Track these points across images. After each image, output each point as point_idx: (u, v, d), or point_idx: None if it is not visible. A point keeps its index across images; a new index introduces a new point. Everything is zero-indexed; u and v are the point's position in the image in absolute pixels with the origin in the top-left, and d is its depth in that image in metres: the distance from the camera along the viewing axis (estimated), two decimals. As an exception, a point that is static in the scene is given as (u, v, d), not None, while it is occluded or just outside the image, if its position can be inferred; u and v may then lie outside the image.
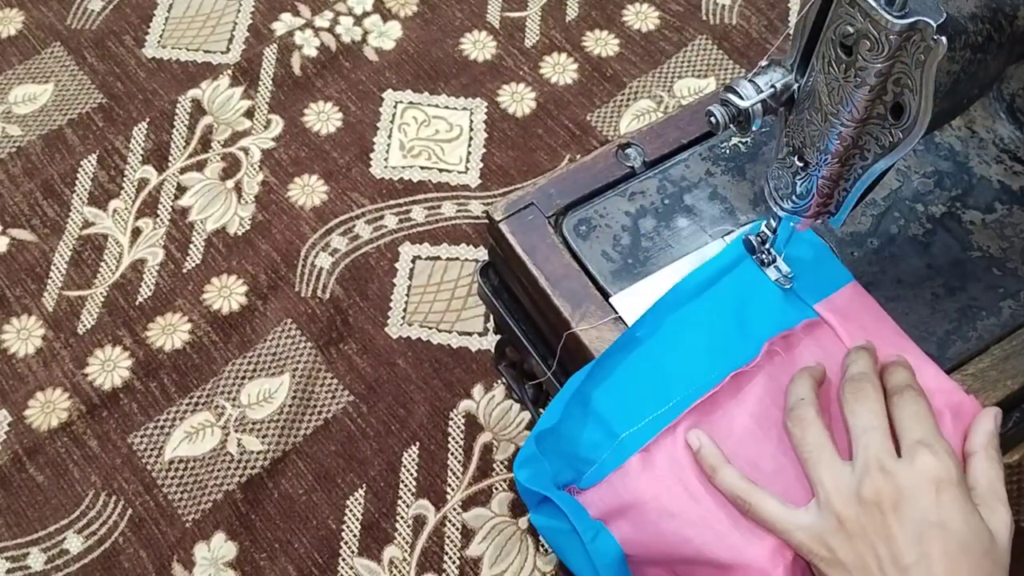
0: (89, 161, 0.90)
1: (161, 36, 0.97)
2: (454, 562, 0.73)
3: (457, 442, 0.77)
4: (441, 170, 0.90)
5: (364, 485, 0.76)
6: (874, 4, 0.46)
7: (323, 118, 0.92)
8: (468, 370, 0.80)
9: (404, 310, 0.83)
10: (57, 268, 0.85)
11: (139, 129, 0.91)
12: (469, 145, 0.91)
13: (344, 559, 0.73)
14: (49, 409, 0.78)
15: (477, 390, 0.79)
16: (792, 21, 0.98)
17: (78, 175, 0.89)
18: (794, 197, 0.56)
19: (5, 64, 0.95)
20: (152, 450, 0.77)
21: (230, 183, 0.89)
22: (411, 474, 0.76)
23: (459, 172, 0.90)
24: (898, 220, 0.69)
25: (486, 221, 0.70)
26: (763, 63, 0.53)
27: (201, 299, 0.83)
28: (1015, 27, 0.54)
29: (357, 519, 0.74)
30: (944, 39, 0.45)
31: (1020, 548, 0.60)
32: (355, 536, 0.74)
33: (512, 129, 0.92)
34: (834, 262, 0.63)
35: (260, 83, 0.94)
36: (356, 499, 0.75)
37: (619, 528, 0.59)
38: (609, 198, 0.69)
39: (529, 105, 0.93)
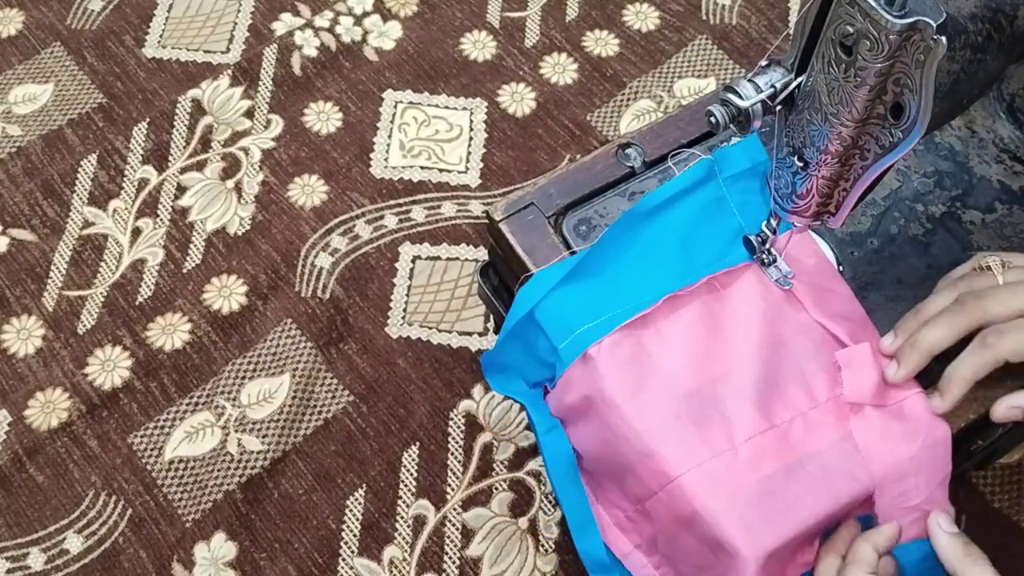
0: (89, 161, 0.90)
1: (161, 36, 0.97)
2: (454, 562, 0.73)
3: (457, 442, 0.77)
4: (441, 170, 0.90)
5: (364, 485, 0.76)
6: (874, 4, 0.46)
7: (323, 118, 0.92)
8: (468, 370, 0.80)
9: (404, 310, 0.83)
10: (57, 268, 0.85)
11: (139, 129, 0.91)
12: (469, 145, 0.91)
13: (344, 559, 0.73)
14: (49, 409, 0.78)
15: (477, 390, 0.79)
16: (792, 21, 0.98)
17: (78, 175, 0.89)
18: (794, 197, 0.56)
19: (5, 64, 0.95)
20: (152, 450, 0.77)
21: (230, 183, 0.89)
22: (411, 474, 0.76)
23: (459, 172, 0.90)
24: (898, 220, 0.69)
25: (486, 221, 0.70)
26: (763, 63, 0.53)
27: (201, 299, 0.83)
28: (1015, 27, 0.54)
29: (357, 519, 0.74)
30: (944, 39, 0.45)
31: (1021, 548, 0.60)
32: (355, 536, 0.74)
33: (512, 129, 0.92)
34: None
35: (260, 83, 0.94)
36: (356, 499, 0.75)
37: (574, 431, 0.64)
38: (609, 198, 0.69)
39: (529, 105, 0.93)
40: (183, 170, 0.89)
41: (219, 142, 0.91)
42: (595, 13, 0.99)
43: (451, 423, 0.78)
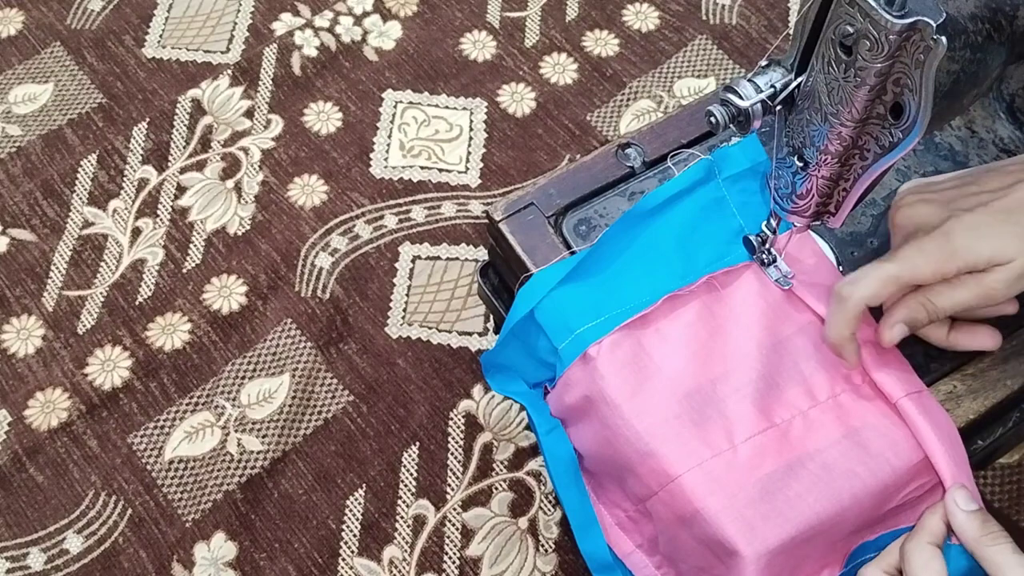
0: (89, 161, 0.90)
1: (161, 36, 0.97)
2: (454, 562, 0.73)
3: (457, 442, 0.77)
4: (441, 170, 0.90)
5: (364, 485, 0.76)
6: (874, 4, 0.46)
7: (323, 118, 0.92)
8: (468, 370, 0.80)
9: (404, 310, 0.83)
10: (57, 268, 0.85)
11: (139, 129, 0.91)
12: (469, 145, 0.91)
13: (344, 559, 0.73)
14: (49, 409, 0.78)
15: (477, 390, 0.79)
16: (792, 21, 0.98)
17: (78, 175, 0.89)
18: (794, 197, 0.56)
19: (5, 64, 0.95)
20: (152, 450, 0.77)
21: (230, 183, 0.89)
22: (411, 474, 0.76)
23: (459, 172, 0.90)
24: (898, 220, 0.69)
25: (486, 221, 0.70)
26: (763, 63, 0.54)
27: (201, 299, 0.83)
28: (1015, 27, 0.54)
29: (357, 519, 0.74)
30: (944, 39, 0.45)
31: (1021, 548, 0.60)
32: (355, 536, 0.74)
33: (512, 129, 0.92)
34: None
35: (260, 83, 0.94)
36: (356, 499, 0.75)
37: (574, 431, 0.64)
38: (609, 198, 0.69)
39: (529, 105, 0.93)
40: (183, 170, 0.89)
41: (219, 142, 0.91)
42: (595, 13, 0.99)
43: (451, 423, 0.78)
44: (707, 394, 0.59)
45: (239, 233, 0.86)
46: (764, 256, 0.62)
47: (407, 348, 0.81)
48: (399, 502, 0.75)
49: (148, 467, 0.76)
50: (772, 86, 0.53)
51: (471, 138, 0.92)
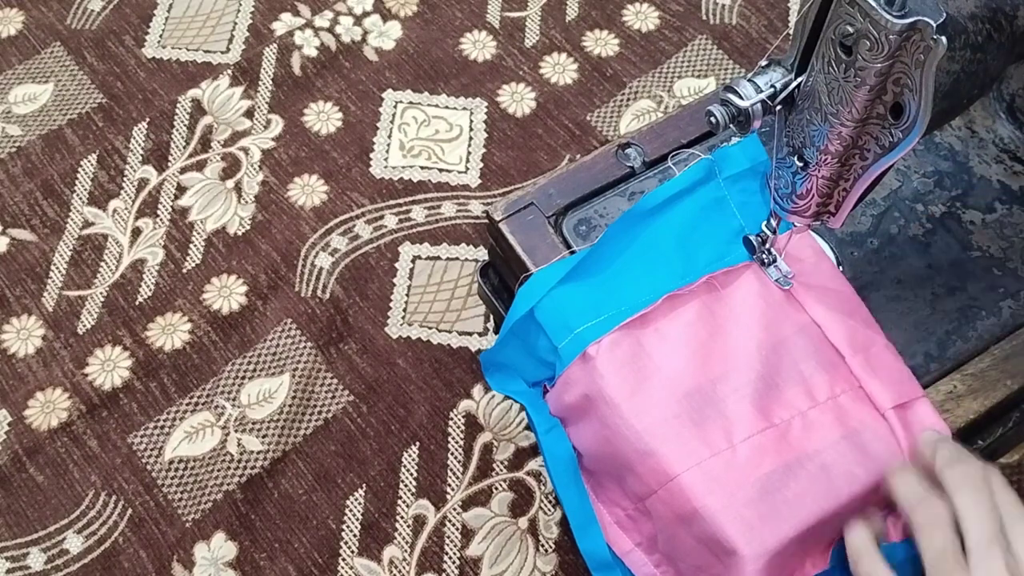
0: (89, 161, 0.90)
1: (161, 36, 0.97)
2: (454, 562, 0.73)
3: (457, 442, 0.77)
4: (441, 170, 0.90)
5: (364, 485, 0.76)
6: (874, 4, 0.46)
7: (323, 118, 0.92)
8: (468, 370, 0.80)
9: (404, 310, 0.83)
10: (57, 268, 0.85)
11: (139, 129, 0.91)
12: (469, 145, 0.91)
13: (344, 559, 0.73)
14: (49, 409, 0.78)
15: (477, 390, 0.79)
16: (792, 21, 0.98)
17: (78, 175, 0.89)
18: (794, 197, 0.56)
19: (5, 64, 0.95)
20: (152, 450, 0.77)
21: (230, 183, 0.89)
22: (411, 474, 0.76)
23: (459, 172, 0.90)
24: (898, 220, 0.69)
25: (486, 221, 0.70)
26: (763, 63, 0.54)
27: (201, 299, 0.83)
28: (1015, 27, 0.54)
29: (357, 519, 0.74)
30: (944, 39, 0.45)
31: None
32: (355, 536, 0.74)
33: (512, 129, 0.92)
34: None
35: (260, 83, 0.94)
36: (356, 499, 0.75)
37: (573, 430, 0.64)
38: (609, 198, 0.69)
39: (529, 105, 0.93)
40: (183, 170, 0.89)
41: (219, 142, 0.91)
42: (595, 13, 0.99)
43: (451, 423, 0.78)
44: (706, 394, 0.59)
45: (239, 233, 0.86)
46: (764, 256, 0.62)
47: (407, 348, 0.81)
48: (399, 502, 0.75)
49: (148, 467, 0.76)
50: (772, 86, 0.53)
51: (471, 138, 0.92)
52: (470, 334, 0.82)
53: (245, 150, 0.91)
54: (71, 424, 0.78)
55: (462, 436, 0.78)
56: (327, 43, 0.97)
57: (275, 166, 0.90)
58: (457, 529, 0.74)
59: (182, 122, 0.92)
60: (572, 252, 0.66)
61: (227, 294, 0.83)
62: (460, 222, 0.87)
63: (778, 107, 0.53)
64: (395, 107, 0.93)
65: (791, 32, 0.53)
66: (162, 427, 0.78)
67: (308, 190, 0.88)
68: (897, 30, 0.46)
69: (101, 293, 0.83)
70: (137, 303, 0.83)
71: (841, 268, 0.66)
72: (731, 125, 0.54)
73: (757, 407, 0.59)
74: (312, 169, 0.90)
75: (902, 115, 0.49)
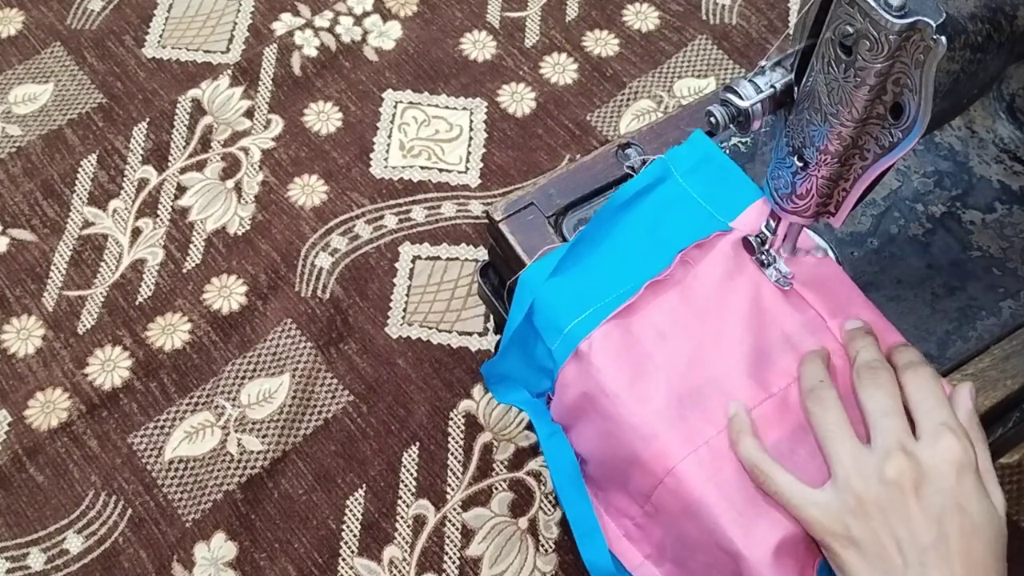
0: (89, 161, 0.90)
1: (161, 36, 0.97)
2: (454, 562, 0.73)
3: (457, 442, 0.77)
4: (441, 170, 0.90)
5: (364, 485, 0.76)
6: (874, 4, 0.46)
7: (323, 118, 0.92)
8: (468, 370, 0.80)
9: (404, 310, 0.83)
10: (57, 268, 0.85)
11: (139, 129, 0.91)
12: (469, 145, 0.91)
13: (344, 559, 0.73)
14: (49, 409, 0.78)
15: (477, 390, 0.79)
16: (792, 21, 0.98)
17: (78, 175, 0.89)
18: (794, 197, 0.56)
19: (5, 64, 0.95)
20: (152, 450, 0.77)
21: (230, 183, 0.89)
22: (411, 474, 0.76)
23: (459, 172, 0.90)
24: (898, 220, 0.69)
25: (486, 221, 0.70)
26: (763, 63, 0.54)
27: (201, 299, 0.83)
28: (1015, 27, 0.54)
29: (357, 519, 0.74)
30: (944, 39, 0.45)
31: (1019, 547, 0.60)
32: (355, 536, 0.74)
33: (512, 129, 0.92)
34: (743, 179, 0.66)
35: (260, 83, 0.94)
36: (356, 499, 0.75)
37: (575, 434, 0.64)
38: (609, 198, 0.69)
39: (529, 105, 0.93)
40: (183, 170, 0.89)
41: (219, 142, 0.91)
42: (595, 13, 0.99)
43: (451, 423, 0.78)
44: (701, 373, 0.60)
45: (239, 233, 0.86)
46: (764, 257, 0.62)
47: (407, 348, 0.81)
48: (399, 502, 0.75)
49: (148, 467, 0.76)
50: (772, 86, 0.53)
51: (471, 138, 0.92)
52: (470, 334, 0.82)
53: (245, 150, 0.91)
54: (71, 424, 0.78)
55: (462, 436, 0.78)
56: (327, 43, 0.97)
57: (275, 166, 0.90)
58: (457, 529, 0.74)
59: (182, 122, 0.92)
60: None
61: (227, 294, 0.83)
62: (460, 222, 0.87)
63: (779, 107, 0.54)
64: (395, 107, 0.93)
65: (791, 32, 0.53)
66: (162, 427, 0.78)
67: (308, 190, 0.88)
68: (897, 30, 0.46)
69: (101, 293, 0.83)
70: (137, 303, 0.83)
71: (841, 268, 0.66)
72: (731, 125, 0.54)
73: (753, 379, 0.60)
74: (312, 169, 0.90)
75: (902, 115, 0.49)
